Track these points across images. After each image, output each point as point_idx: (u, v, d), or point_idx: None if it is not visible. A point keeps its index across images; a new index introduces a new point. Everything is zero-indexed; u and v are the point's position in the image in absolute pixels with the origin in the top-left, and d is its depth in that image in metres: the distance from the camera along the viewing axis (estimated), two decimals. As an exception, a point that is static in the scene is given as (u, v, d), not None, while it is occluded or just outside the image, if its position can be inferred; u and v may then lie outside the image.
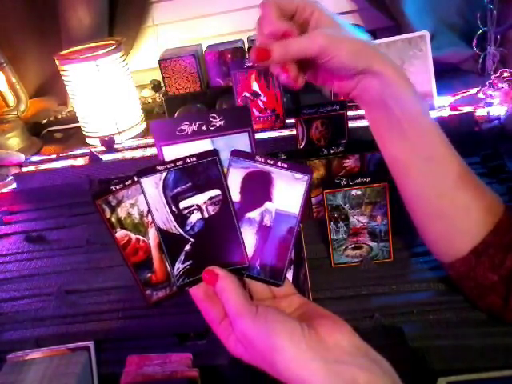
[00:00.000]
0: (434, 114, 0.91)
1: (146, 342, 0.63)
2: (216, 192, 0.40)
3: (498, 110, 0.90)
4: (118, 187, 0.39)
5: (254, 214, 0.41)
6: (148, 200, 0.39)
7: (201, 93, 1.10)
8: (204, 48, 1.11)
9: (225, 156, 0.40)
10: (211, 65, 1.07)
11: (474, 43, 1.05)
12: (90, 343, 0.59)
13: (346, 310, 0.60)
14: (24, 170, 1.04)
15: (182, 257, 0.40)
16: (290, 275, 0.59)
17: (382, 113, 0.50)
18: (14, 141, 1.13)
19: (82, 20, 1.14)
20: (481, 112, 0.91)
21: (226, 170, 0.40)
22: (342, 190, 0.63)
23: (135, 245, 0.41)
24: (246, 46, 1.08)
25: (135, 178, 0.39)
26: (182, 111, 1.08)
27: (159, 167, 0.39)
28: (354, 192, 0.63)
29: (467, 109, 0.93)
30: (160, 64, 1.07)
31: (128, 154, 1.01)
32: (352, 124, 0.87)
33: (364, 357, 0.35)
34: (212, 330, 0.39)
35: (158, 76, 1.22)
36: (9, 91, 1.20)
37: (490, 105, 0.92)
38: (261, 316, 0.36)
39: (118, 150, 1.04)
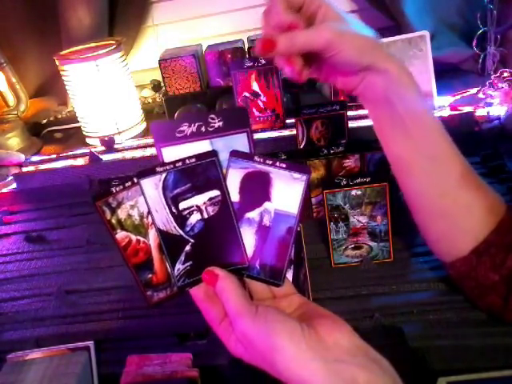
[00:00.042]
0: (434, 114, 0.91)
1: (146, 342, 0.63)
2: (215, 193, 0.40)
3: (498, 110, 0.90)
4: (117, 189, 0.40)
5: (254, 214, 0.41)
6: (148, 201, 0.40)
7: (201, 93, 1.10)
8: (204, 48, 1.11)
9: (224, 157, 0.40)
10: (211, 65, 1.07)
11: (474, 43, 1.05)
12: (90, 343, 0.59)
13: (346, 310, 0.60)
14: (24, 170, 1.04)
15: (183, 257, 0.40)
16: (289, 275, 0.59)
17: (385, 111, 0.50)
18: (14, 141, 1.13)
19: (81, 20, 1.14)
20: (481, 112, 0.91)
21: (225, 170, 0.40)
22: (342, 190, 0.63)
23: (135, 246, 0.41)
24: (246, 46, 1.08)
25: (135, 180, 0.39)
26: (181, 111, 1.08)
27: (159, 168, 0.39)
28: (353, 192, 0.63)
29: (467, 109, 0.93)
30: (160, 64, 1.07)
31: (128, 154, 1.01)
32: (352, 124, 0.87)
33: (364, 356, 0.35)
34: (212, 330, 0.39)
35: (158, 76, 1.23)
36: (9, 91, 1.20)
37: (490, 105, 0.92)
38: (261, 316, 0.36)
39: (118, 150, 1.04)
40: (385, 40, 0.92)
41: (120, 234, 0.40)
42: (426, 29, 0.92)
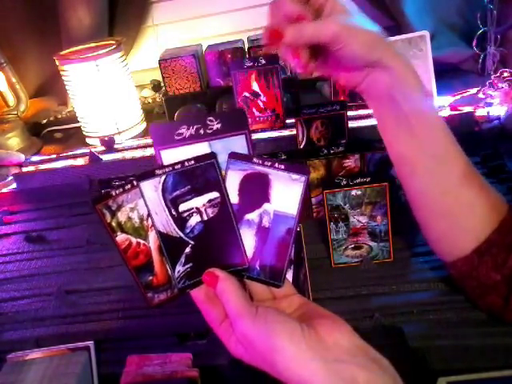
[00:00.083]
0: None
1: (146, 342, 0.63)
2: (215, 194, 0.40)
3: (498, 110, 0.90)
4: (117, 192, 0.40)
5: (253, 216, 0.41)
6: (148, 204, 0.40)
7: (201, 93, 1.10)
8: (204, 48, 1.11)
9: (222, 159, 0.40)
10: (211, 65, 1.07)
11: (474, 43, 1.05)
12: (90, 343, 0.59)
13: (346, 310, 0.60)
14: (24, 169, 1.04)
15: (183, 259, 0.40)
16: (289, 275, 0.59)
17: (389, 109, 0.50)
18: (14, 141, 1.13)
19: (81, 20, 1.14)
20: (481, 112, 0.91)
21: (224, 172, 0.40)
22: (342, 190, 0.63)
23: (136, 248, 0.41)
24: (246, 46, 1.08)
25: (134, 183, 0.39)
26: (181, 111, 1.08)
27: (158, 171, 0.39)
28: (353, 192, 0.63)
29: (467, 109, 0.93)
30: (160, 64, 1.07)
31: (128, 154, 1.01)
32: (352, 124, 0.87)
33: (364, 356, 0.35)
34: (213, 331, 0.39)
35: (158, 76, 1.22)
36: (9, 91, 1.20)
37: (490, 105, 0.92)
38: (261, 317, 0.36)
39: (118, 150, 1.04)
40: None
41: (120, 237, 0.40)
42: (426, 29, 0.92)
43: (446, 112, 0.93)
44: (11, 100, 1.21)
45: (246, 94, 0.94)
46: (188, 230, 0.40)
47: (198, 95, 1.10)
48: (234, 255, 0.41)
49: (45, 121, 1.26)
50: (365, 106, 0.96)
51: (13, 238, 0.87)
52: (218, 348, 0.58)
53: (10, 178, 1.01)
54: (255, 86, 0.93)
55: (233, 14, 1.25)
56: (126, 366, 0.55)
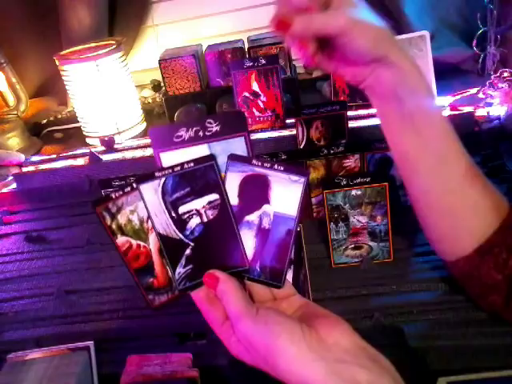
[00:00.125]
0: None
1: (146, 342, 0.63)
2: (214, 196, 0.40)
3: (497, 110, 0.90)
4: (117, 194, 0.40)
5: (253, 217, 0.41)
6: (147, 206, 0.40)
7: (201, 93, 1.10)
8: (204, 48, 1.11)
9: (222, 160, 0.40)
10: (211, 65, 1.07)
11: (474, 43, 1.05)
12: (90, 343, 0.59)
13: (346, 310, 0.60)
14: (24, 170, 1.04)
15: (183, 261, 0.40)
16: (289, 275, 0.59)
17: (393, 106, 0.50)
18: (14, 141, 1.13)
19: (81, 20, 1.14)
20: (481, 112, 0.91)
21: (223, 174, 0.40)
22: (342, 190, 0.63)
23: (136, 251, 0.41)
24: (246, 46, 1.08)
25: (134, 185, 0.39)
26: (181, 111, 1.08)
27: (157, 173, 0.39)
28: (353, 192, 0.63)
29: (467, 109, 0.93)
30: (160, 64, 1.07)
31: (128, 154, 1.01)
32: (352, 124, 0.87)
33: (364, 356, 0.35)
34: (213, 332, 0.39)
35: (158, 76, 1.22)
36: (9, 91, 1.20)
37: (490, 105, 0.92)
38: (261, 318, 0.36)
39: (117, 150, 1.04)
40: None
41: (120, 239, 0.41)
42: (426, 29, 0.92)
43: (446, 112, 0.93)
44: (11, 100, 1.21)
45: (246, 94, 0.94)
46: (188, 232, 0.40)
47: (198, 95, 1.10)
48: (234, 256, 0.41)
49: (45, 121, 1.26)
50: (365, 106, 0.96)
51: (13, 238, 0.87)
52: (218, 348, 0.58)
53: (10, 177, 1.01)
54: (255, 86, 0.93)
55: (233, 14, 1.25)
56: (126, 366, 0.55)
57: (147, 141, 1.06)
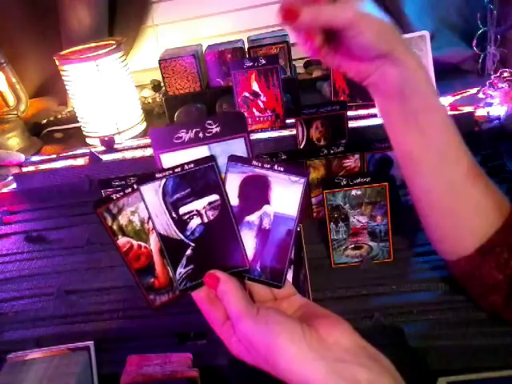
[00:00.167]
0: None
1: (146, 342, 0.63)
2: (215, 197, 0.40)
3: (497, 110, 0.90)
4: (118, 195, 0.40)
5: (253, 218, 0.41)
6: (148, 207, 0.40)
7: (201, 93, 1.10)
8: (204, 48, 1.11)
9: (222, 161, 0.41)
10: (211, 65, 1.07)
11: (474, 43, 1.05)
12: (90, 343, 0.59)
13: (346, 310, 0.60)
14: (24, 170, 1.04)
15: (184, 261, 0.40)
16: (289, 275, 0.59)
17: (397, 104, 0.49)
18: (14, 141, 1.13)
19: (81, 20, 1.14)
20: (481, 112, 0.91)
21: (223, 175, 0.41)
22: (342, 190, 0.63)
23: (137, 251, 0.41)
24: (246, 46, 1.08)
25: (135, 186, 0.40)
26: (181, 111, 1.08)
27: (158, 174, 0.40)
28: (353, 192, 0.63)
29: (467, 109, 0.93)
30: (160, 64, 1.07)
31: (128, 154, 1.01)
32: (352, 124, 0.87)
33: (364, 355, 0.35)
34: (213, 332, 0.39)
35: (158, 76, 1.23)
36: (9, 91, 1.20)
37: (490, 105, 0.92)
38: (262, 317, 0.36)
39: (117, 150, 1.04)
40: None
41: (121, 240, 0.41)
42: (426, 29, 0.92)
43: (446, 112, 0.93)
44: (11, 100, 1.21)
45: (246, 94, 0.94)
46: (189, 233, 0.40)
47: (198, 95, 1.10)
48: (234, 257, 0.41)
49: (45, 121, 1.26)
50: (365, 106, 0.96)
51: (13, 238, 0.87)
52: (218, 348, 0.58)
53: (10, 177, 1.01)
54: (255, 86, 0.93)
55: (233, 14, 1.25)
56: (126, 366, 0.55)
57: (147, 141, 1.06)
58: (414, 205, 0.55)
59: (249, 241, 0.41)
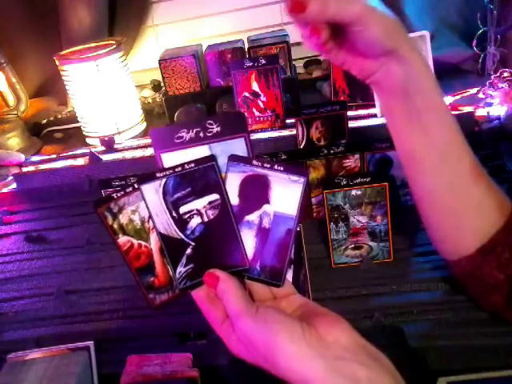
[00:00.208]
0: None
1: (146, 342, 0.63)
2: (215, 196, 0.40)
3: (497, 110, 0.90)
4: (119, 194, 0.40)
5: (253, 217, 0.41)
6: (149, 206, 0.40)
7: (201, 93, 1.10)
8: (204, 48, 1.11)
9: (222, 161, 0.41)
10: (211, 65, 1.07)
11: (474, 43, 1.05)
12: (90, 343, 0.59)
13: (346, 309, 0.60)
14: (24, 170, 1.04)
15: (184, 260, 0.41)
16: (289, 275, 0.59)
17: (400, 102, 0.49)
18: (14, 141, 1.13)
19: (81, 20, 1.14)
20: (481, 112, 0.91)
21: (223, 174, 0.41)
22: (342, 190, 0.63)
23: (137, 250, 0.41)
24: (246, 46, 1.08)
25: (135, 185, 0.40)
26: (181, 111, 1.08)
27: (159, 174, 0.40)
28: (353, 192, 0.63)
29: (467, 109, 0.93)
30: (160, 64, 1.07)
31: (128, 154, 1.01)
32: (352, 124, 0.87)
33: (364, 353, 0.35)
34: (213, 331, 0.40)
35: (158, 76, 1.22)
36: (9, 91, 1.20)
37: (490, 105, 0.92)
38: (261, 316, 0.36)
39: (117, 150, 1.04)
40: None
41: (122, 239, 0.41)
42: (426, 29, 0.92)
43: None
44: (11, 100, 1.21)
45: (246, 94, 0.94)
46: (189, 232, 0.41)
47: (198, 95, 1.10)
48: (234, 256, 0.41)
49: (45, 121, 1.26)
50: (365, 106, 0.96)
51: (13, 238, 0.87)
52: (218, 348, 0.58)
53: (10, 177, 1.01)
54: (255, 86, 0.93)
55: (233, 14, 1.25)
56: (126, 366, 0.55)
57: (147, 141, 1.06)
58: (416, 205, 0.55)
59: (248, 240, 0.41)
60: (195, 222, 0.40)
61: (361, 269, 0.66)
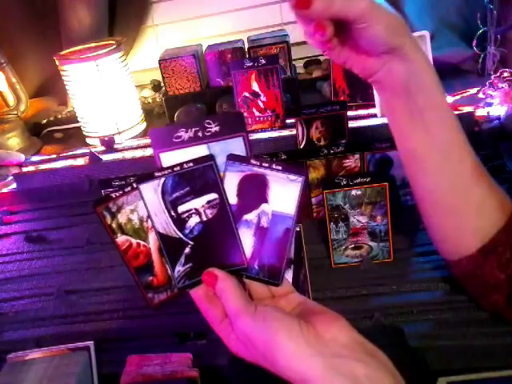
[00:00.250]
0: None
1: (146, 342, 0.63)
2: (213, 196, 0.41)
3: (497, 110, 0.90)
4: (117, 194, 0.40)
5: (251, 216, 0.41)
6: (147, 205, 0.40)
7: (201, 93, 1.10)
8: (204, 48, 1.11)
9: (221, 160, 0.41)
10: (211, 65, 1.07)
11: (474, 43, 1.05)
12: (90, 343, 0.59)
13: (346, 310, 0.60)
14: (24, 170, 1.04)
15: (182, 259, 0.41)
16: (289, 275, 0.59)
17: (402, 101, 0.49)
18: (14, 141, 1.13)
19: (81, 20, 1.14)
20: (481, 112, 0.91)
21: (222, 174, 0.41)
22: (342, 190, 0.63)
23: (136, 249, 0.41)
24: (246, 46, 1.08)
25: (134, 185, 0.40)
26: (181, 111, 1.08)
27: (157, 173, 0.40)
28: (353, 192, 0.63)
29: (467, 109, 0.93)
30: (160, 64, 1.07)
31: (128, 154, 1.01)
32: (352, 124, 0.87)
33: (362, 350, 0.35)
34: (213, 330, 0.40)
35: (158, 76, 1.23)
36: (9, 91, 1.20)
37: (490, 105, 0.92)
38: (259, 315, 0.36)
39: (117, 150, 1.04)
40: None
41: (120, 238, 0.41)
42: (426, 29, 0.92)
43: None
44: (11, 100, 1.21)
45: (246, 94, 0.94)
46: (187, 231, 0.41)
47: (198, 95, 1.10)
48: (232, 255, 0.41)
49: (45, 121, 1.26)
50: (365, 106, 0.96)
51: (13, 238, 0.87)
52: (218, 348, 0.58)
53: (10, 177, 1.01)
54: (255, 86, 0.93)
55: (233, 14, 1.25)
56: (126, 366, 0.55)
57: (147, 141, 1.06)
58: (417, 204, 0.55)
59: (247, 239, 0.41)
60: (194, 221, 0.41)
61: (361, 269, 0.66)
